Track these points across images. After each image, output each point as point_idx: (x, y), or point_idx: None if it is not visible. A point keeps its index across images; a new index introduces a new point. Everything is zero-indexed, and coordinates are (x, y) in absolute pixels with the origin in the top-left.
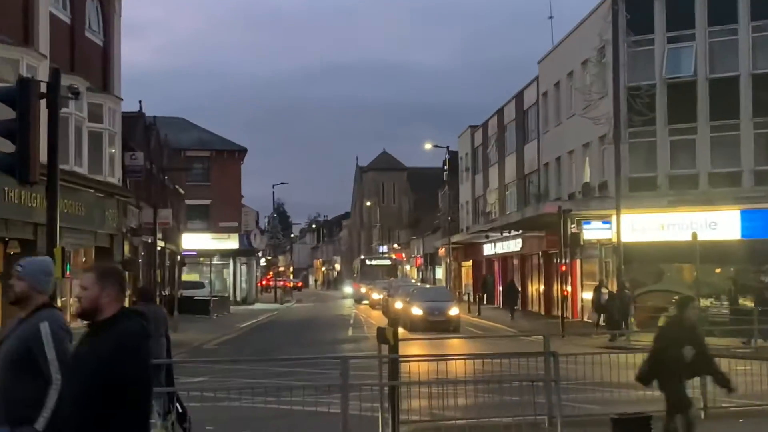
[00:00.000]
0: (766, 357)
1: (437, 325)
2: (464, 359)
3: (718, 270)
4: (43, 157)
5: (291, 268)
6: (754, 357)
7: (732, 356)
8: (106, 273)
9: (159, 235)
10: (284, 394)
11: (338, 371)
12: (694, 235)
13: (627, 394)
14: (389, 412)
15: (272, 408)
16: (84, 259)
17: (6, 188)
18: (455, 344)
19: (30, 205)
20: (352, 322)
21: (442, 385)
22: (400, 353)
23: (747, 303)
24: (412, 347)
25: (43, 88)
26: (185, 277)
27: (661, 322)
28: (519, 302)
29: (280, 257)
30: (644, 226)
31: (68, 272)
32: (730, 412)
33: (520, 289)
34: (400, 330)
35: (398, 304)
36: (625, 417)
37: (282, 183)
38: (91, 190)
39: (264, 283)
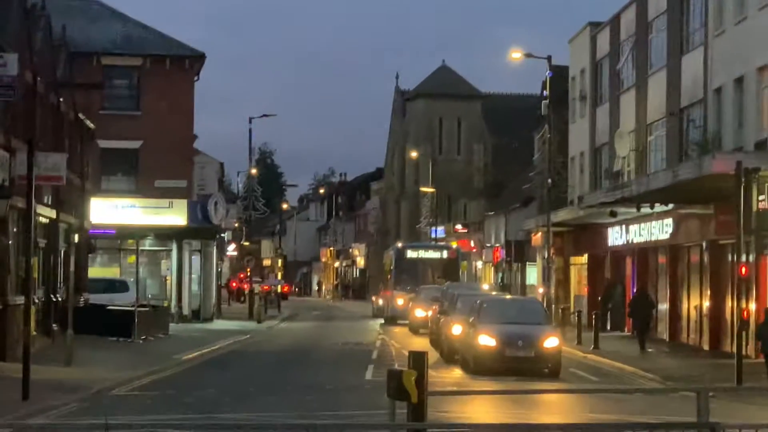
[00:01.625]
0: None
1: (521, 365)
2: None
3: None
4: None
5: (280, 262)
6: None
7: None
8: None
9: (46, 199)
10: None
11: None
12: None
13: None
14: None
15: None
16: None
17: None
18: (553, 402)
19: None
20: (374, 355)
21: None
22: (457, 412)
23: None
24: (476, 406)
25: None
26: (95, 271)
27: None
28: (655, 324)
29: (265, 243)
30: None
31: None
32: None
33: (667, 306)
34: (459, 373)
35: (456, 329)
36: None
37: (266, 115)
38: None
39: (235, 285)
